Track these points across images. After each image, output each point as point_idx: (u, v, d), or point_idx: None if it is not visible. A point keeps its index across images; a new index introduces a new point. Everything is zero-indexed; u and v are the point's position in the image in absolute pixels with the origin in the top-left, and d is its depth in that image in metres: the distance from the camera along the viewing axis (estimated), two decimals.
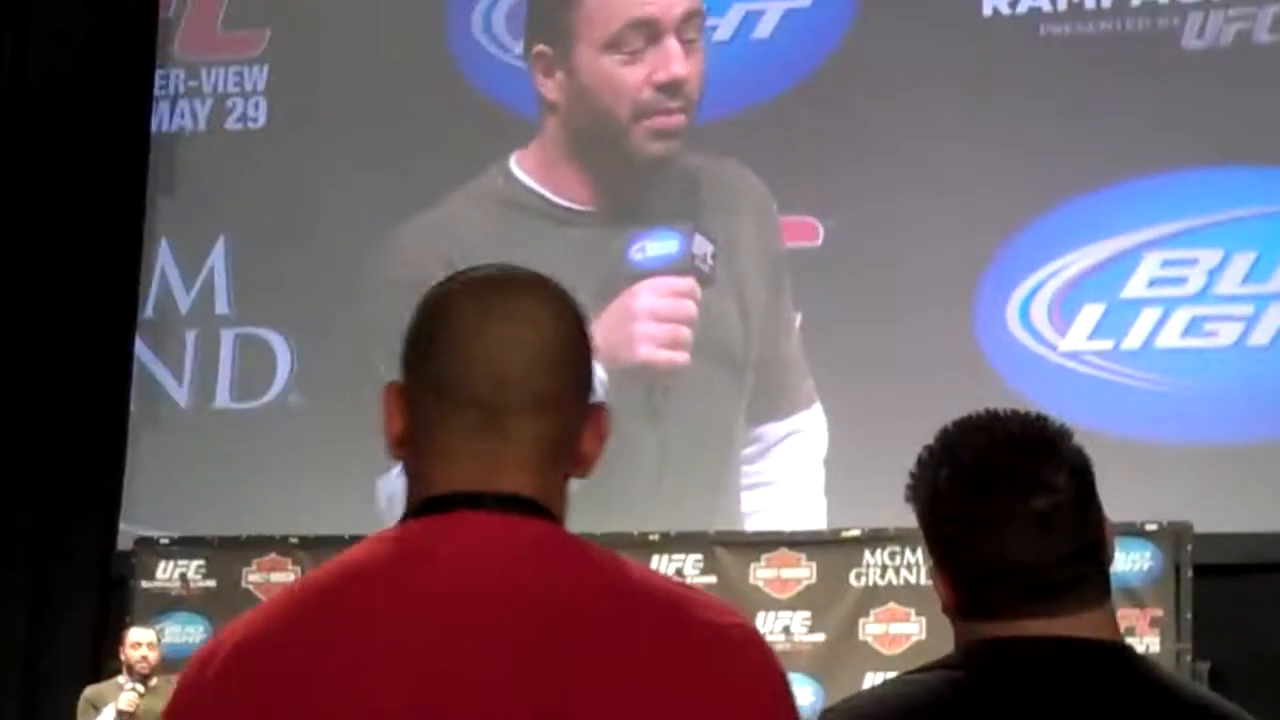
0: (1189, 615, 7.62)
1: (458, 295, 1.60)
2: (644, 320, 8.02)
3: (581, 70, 8.69)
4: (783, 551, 7.79)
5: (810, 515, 8.19)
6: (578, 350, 1.61)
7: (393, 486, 8.25)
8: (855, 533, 7.77)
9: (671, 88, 8.54)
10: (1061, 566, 1.91)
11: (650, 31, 8.59)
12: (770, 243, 8.70)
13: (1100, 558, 1.95)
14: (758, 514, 8.52)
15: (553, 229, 8.63)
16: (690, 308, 8.42)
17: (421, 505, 1.56)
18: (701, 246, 8.46)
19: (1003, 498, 1.88)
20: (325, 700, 1.48)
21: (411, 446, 1.58)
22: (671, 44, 8.52)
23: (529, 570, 1.52)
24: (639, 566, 1.61)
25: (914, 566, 7.65)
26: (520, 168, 8.76)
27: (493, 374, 1.55)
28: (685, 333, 8.41)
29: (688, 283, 8.40)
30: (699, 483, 8.48)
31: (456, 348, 1.56)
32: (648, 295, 8.21)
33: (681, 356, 8.30)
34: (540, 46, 8.69)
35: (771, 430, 8.55)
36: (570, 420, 1.59)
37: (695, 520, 8.18)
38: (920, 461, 1.95)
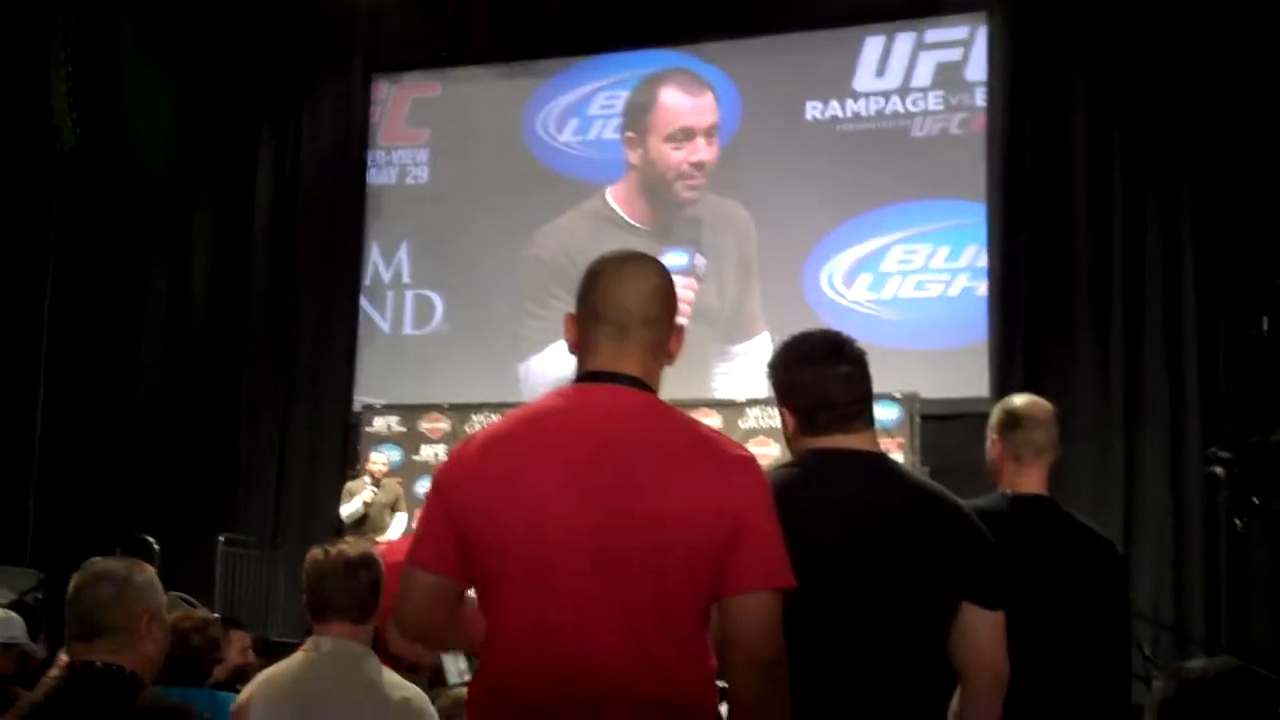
0: (917, 442, 10.83)
1: (605, 264, 2.62)
2: None
3: (650, 150, 12.77)
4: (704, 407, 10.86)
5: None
6: (667, 294, 2.62)
7: (529, 370, 12.56)
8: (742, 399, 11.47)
9: (697, 165, 12.59)
10: (854, 405, 2.99)
11: (689, 132, 12.69)
12: (745, 249, 12.38)
13: (870, 404, 3.01)
14: (723, 390, 11.98)
15: (624, 235, 12.13)
16: (690, 295, 11.96)
17: (581, 376, 2.58)
18: (699, 261, 12.23)
19: (824, 365, 2.99)
20: (521, 479, 2.47)
21: (578, 345, 2.60)
22: (700, 140, 12.63)
23: (634, 418, 2.53)
24: (692, 418, 2.59)
25: (774, 418, 11.03)
26: (612, 196, 12.83)
27: (622, 305, 2.57)
28: (686, 309, 11.40)
29: (690, 282, 12.04)
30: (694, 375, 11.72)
31: (604, 291, 2.59)
32: None
33: (682, 320, 12.39)
34: (630, 133, 12.83)
35: (738, 348, 12.33)
36: (663, 333, 2.61)
37: (696, 392, 11.36)
38: (777, 351, 3.06)
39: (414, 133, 13.82)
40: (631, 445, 2.49)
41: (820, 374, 2.97)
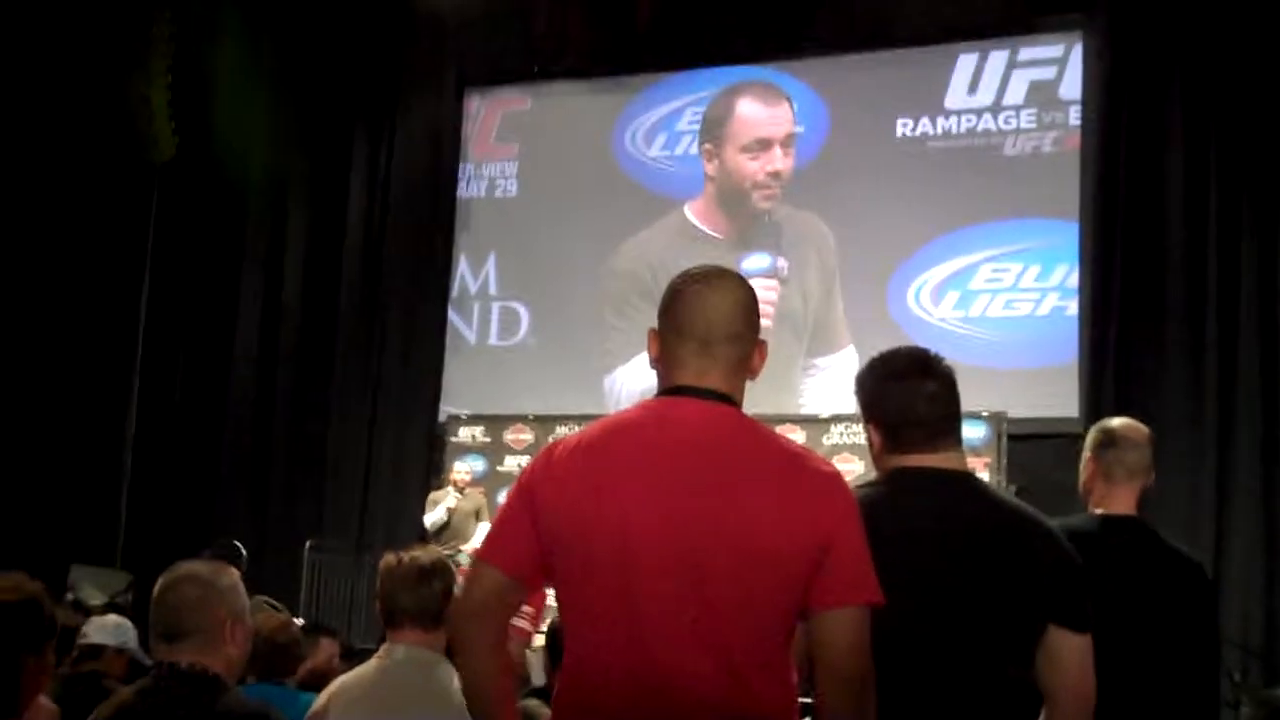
0: (1004, 462, 10.72)
1: (688, 279, 2.62)
2: None
3: (727, 161, 12.87)
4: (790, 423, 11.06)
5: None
6: (750, 309, 2.61)
7: (615, 382, 12.60)
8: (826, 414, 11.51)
9: (774, 175, 12.67)
10: (941, 422, 2.96)
11: (765, 143, 12.74)
12: (825, 260, 12.40)
13: (958, 423, 2.99)
14: (808, 404, 12.06)
15: (704, 248, 12.18)
16: (773, 297, 12.20)
17: (665, 391, 2.59)
18: (781, 264, 12.38)
19: (911, 382, 2.97)
20: (608, 488, 2.47)
21: (661, 360, 2.61)
22: (776, 150, 12.67)
23: (719, 432, 2.53)
24: (778, 434, 2.60)
25: (858, 434, 10.29)
26: (690, 211, 12.94)
27: (705, 321, 2.57)
28: (769, 310, 11.91)
29: (773, 284, 12.26)
30: (779, 388, 11.81)
31: (688, 307, 2.58)
32: None
33: (767, 322, 11.12)
34: (707, 145, 12.91)
35: (822, 360, 12.36)
36: (747, 348, 2.59)
37: (780, 408, 11.36)
38: (865, 368, 3.06)
39: (504, 147, 13.96)
40: (720, 460, 2.49)
41: (908, 391, 2.96)
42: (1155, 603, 3.60)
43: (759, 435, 2.56)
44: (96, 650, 5.33)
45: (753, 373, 2.63)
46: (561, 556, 2.52)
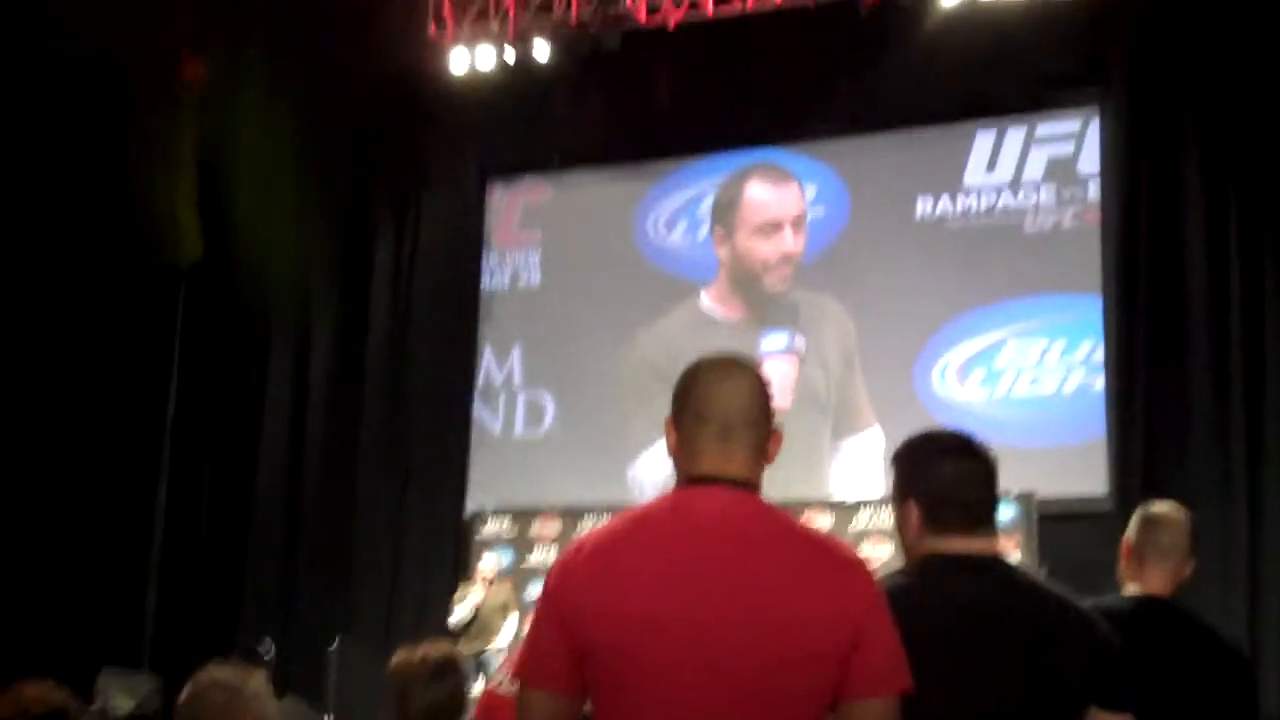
0: (1035, 543, 10.64)
1: (705, 366, 2.62)
2: None
3: (739, 245, 12.93)
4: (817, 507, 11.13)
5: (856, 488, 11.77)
6: (765, 397, 2.61)
7: (638, 471, 12.54)
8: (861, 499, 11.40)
9: (785, 257, 12.73)
10: (984, 505, 2.94)
11: (776, 225, 12.82)
12: (845, 340, 12.42)
13: (996, 508, 2.98)
14: (835, 488, 11.94)
15: (721, 332, 12.38)
16: (793, 374, 12.35)
17: (687, 480, 2.58)
18: (799, 341, 12.44)
19: (960, 460, 2.95)
20: (636, 584, 2.43)
21: (680, 449, 2.60)
22: (787, 231, 12.74)
23: (745, 522, 2.51)
24: (800, 521, 2.57)
25: (886, 519, 10.20)
26: (707, 296, 12.97)
27: (725, 407, 2.57)
28: (789, 390, 12.09)
29: (792, 359, 12.43)
30: (805, 471, 11.74)
31: (705, 393, 2.58)
32: (766, 369, 12.74)
33: (785, 403, 11.88)
34: (719, 229, 12.99)
35: (847, 442, 12.28)
36: (764, 434, 2.59)
37: (805, 493, 11.22)
38: (906, 443, 3.02)
39: (526, 235, 13.98)
40: (747, 550, 2.47)
41: (956, 469, 2.95)
42: (1193, 684, 3.57)
43: (783, 523, 2.55)
44: None
45: (769, 458, 2.62)
46: (592, 661, 2.48)
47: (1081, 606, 2.97)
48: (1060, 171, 12.10)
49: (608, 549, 2.52)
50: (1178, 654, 3.59)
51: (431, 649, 3.71)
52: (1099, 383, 11.51)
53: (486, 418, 13.73)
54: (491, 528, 12.76)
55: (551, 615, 2.52)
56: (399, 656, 3.70)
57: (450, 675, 3.64)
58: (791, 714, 2.42)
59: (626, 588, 2.45)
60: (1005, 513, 10.42)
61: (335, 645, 12.13)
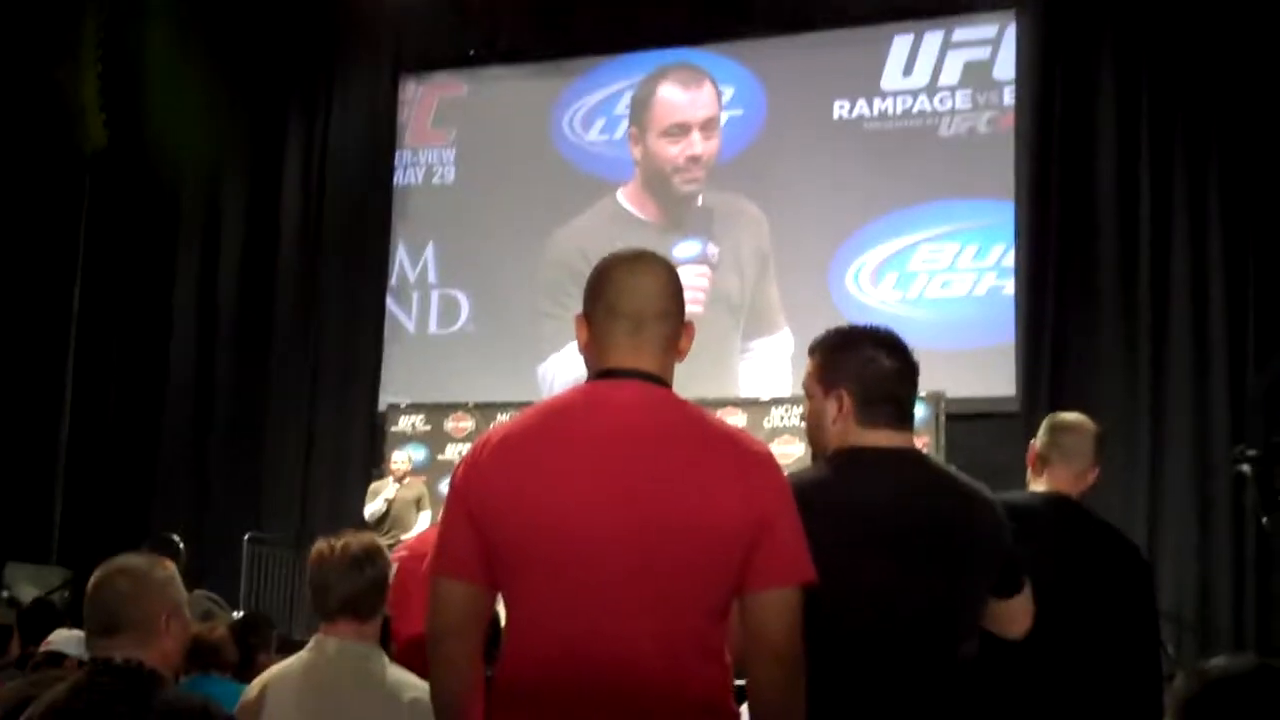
0: (943, 441, 10.83)
1: (616, 261, 2.63)
2: None
3: (650, 145, 12.97)
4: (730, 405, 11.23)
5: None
6: (676, 289, 2.64)
7: (548, 370, 12.59)
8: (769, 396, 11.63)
9: (693, 160, 12.78)
10: (910, 403, 3.01)
11: (684, 127, 12.85)
12: (760, 242, 12.46)
13: (914, 403, 3.04)
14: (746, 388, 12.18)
15: (636, 232, 12.22)
16: (705, 284, 12.38)
17: (597, 374, 2.60)
18: (712, 250, 12.52)
19: (894, 358, 2.97)
20: (545, 476, 2.47)
21: (591, 344, 2.62)
22: (695, 135, 12.77)
23: (654, 414, 2.54)
24: (711, 415, 2.64)
25: (798, 418, 10.16)
26: (623, 196, 12.97)
27: (635, 301, 2.59)
28: (701, 297, 12.22)
29: (704, 270, 12.44)
30: (716, 371, 11.95)
31: (617, 288, 2.59)
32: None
33: (698, 309, 11.90)
34: (633, 129, 13.00)
35: (757, 343, 12.46)
36: (676, 328, 2.62)
37: (719, 391, 11.46)
38: (836, 332, 3.04)
39: (441, 132, 13.89)
40: (655, 442, 2.50)
41: (891, 364, 2.98)
42: (1093, 578, 3.68)
43: (692, 416, 2.57)
44: (57, 658, 5.29)
45: (681, 353, 2.65)
46: (502, 551, 2.51)
47: (994, 501, 3.04)
48: (976, 76, 12.15)
49: (515, 442, 2.53)
50: (1081, 548, 3.69)
51: (352, 539, 3.63)
52: (1010, 286, 11.63)
53: (400, 315, 13.70)
54: (405, 423, 12.78)
55: (461, 508, 2.55)
56: (318, 547, 3.62)
57: (370, 564, 3.58)
58: (701, 603, 2.47)
59: (534, 480, 2.48)
60: (916, 412, 10.49)
61: (247, 540, 12.11)
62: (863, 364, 2.96)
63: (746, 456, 2.53)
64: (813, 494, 2.78)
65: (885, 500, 2.87)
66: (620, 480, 2.46)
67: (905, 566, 2.84)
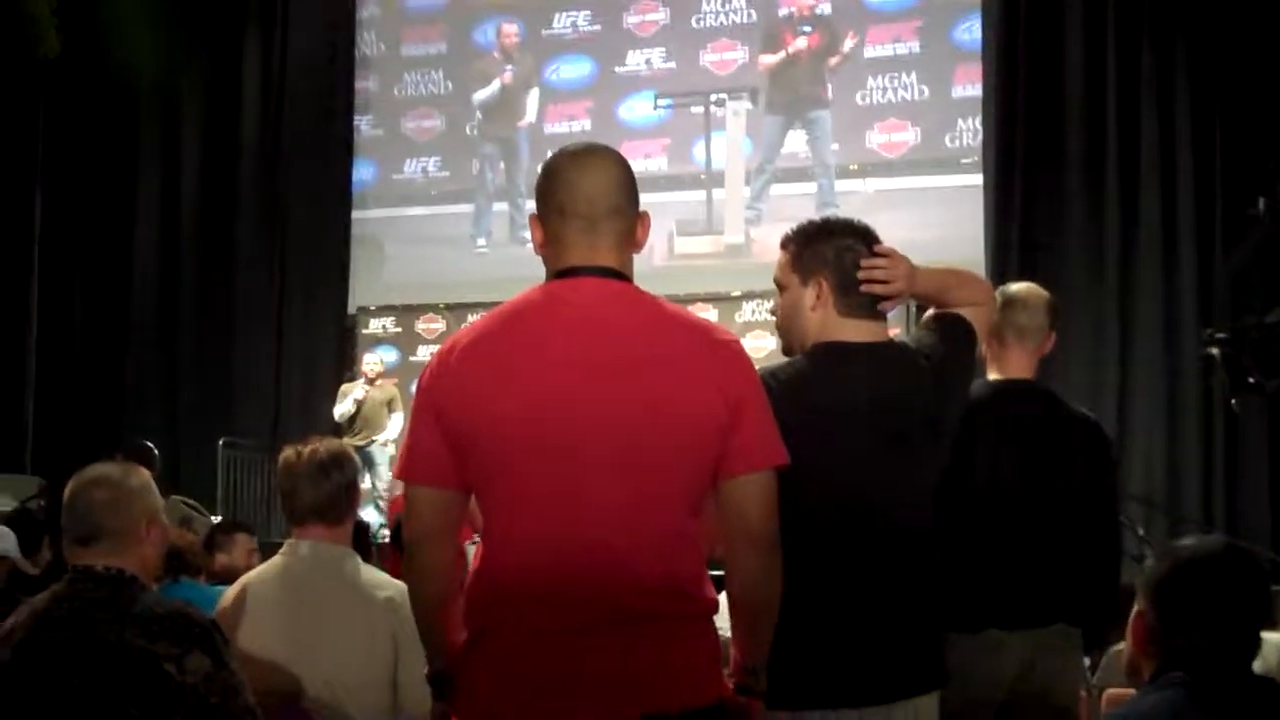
0: (912, 331, 11.64)
1: (564, 157, 2.61)
2: None
3: None
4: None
5: None
6: (628, 182, 2.62)
7: None
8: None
9: None
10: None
11: None
12: None
13: None
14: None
15: None
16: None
17: (556, 274, 2.60)
18: None
19: (865, 248, 2.97)
20: (515, 374, 2.48)
21: (547, 245, 2.62)
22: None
23: (618, 308, 2.56)
24: (675, 306, 2.64)
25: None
26: None
27: (588, 197, 2.57)
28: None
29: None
30: None
31: (568, 185, 2.58)
32: None
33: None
34: None
35: None
36: (630, 221, 2.61)
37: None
38: (812, 226, 3.06)
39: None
40: (623, 335, 2.52)
41: (862, 257, 2.99)
42: (1050, 465, 3.70)
43: (658, 308, 2.60)
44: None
45: (637, 245, 2.64)
46: (476, 452, 2.52)
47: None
48: None
49: (483, 343, 2.55)
50: (1038, 436, 3.71)
51: (320, 444, 3.64)
52: (978, 178, 11.65)
53: (368, 217, 13.59)
54: (375, 326, 12.89)
55: (430, 413, 2.55)
56: (287, 453, 3.64)
57: (338, 470, 3.60)
58: (679, 493, 2.50)
59: (504, 379, 2.49)
60: None
61: (221, 445, 12.15)
62: (840, 252, 2.99)
63: (715, 344, 2.56)
64: (792, 385, 2.83)
65: (861, 393, 2.91)
66: (591, 374, 2.48)
67: (877, 452, 2.90)
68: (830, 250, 3.00)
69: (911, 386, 2.97)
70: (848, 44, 12.26)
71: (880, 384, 2.93)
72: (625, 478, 2.47)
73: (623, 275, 2.61)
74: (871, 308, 2.99)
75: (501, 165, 13.13)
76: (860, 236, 3.01)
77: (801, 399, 2.80)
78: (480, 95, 13.17)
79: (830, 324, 2.99)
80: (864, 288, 2.97)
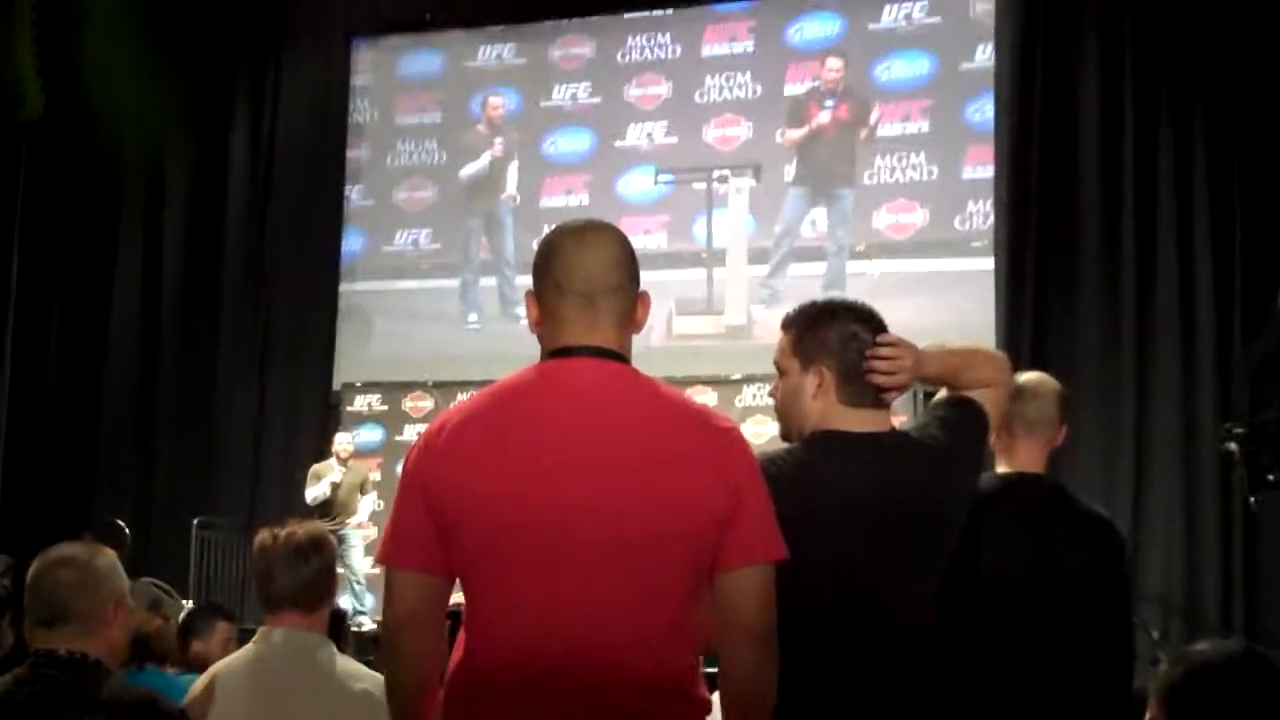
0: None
1: (563, 233, 2.63)
2: None
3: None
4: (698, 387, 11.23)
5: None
6: (628, 260, 2.63)
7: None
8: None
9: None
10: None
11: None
12: None
13: None
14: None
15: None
16: None
17: (551, 353, 2.59)
18: None
19: (869, 333, 2.97)
20: (505, 457, 2.47)
21: (543, 322, 2.62)
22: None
23: (614, 390, 2.55)
24: (674, 390, 2.65)
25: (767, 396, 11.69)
26: None
27: (586, 275, 2.57)
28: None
29: None
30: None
31: (566, 262, 2.58)
32: None
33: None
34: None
35: None
36: (630, 301, 2.62)
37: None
38: (816, 307, 3.05)
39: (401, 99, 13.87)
40: (618, 420, 2.52)
41: (868, 344, 2.98)
42: (1061, 563, 3.68)
43: (657, 393, 2.59)
44: None
45: (637, 325, 2.65)
46: (461, 537, 2.51)
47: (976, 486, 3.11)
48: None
49: (471, 423, 2.54)
50: (1049, 533, 3.68)
51: (298, 527, 3.64)
52: (989, 262, 11.67)
53: (356, 290, 13.65)
54: (360, 403, 12.87)
55: (415, 492, 2.54)
56: (263, 535, 3.65)
57: (316, 554, 3.59)
58: (672, 587, 2.49)
59: (490, 462, 2.48)
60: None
61: (196, 525, 12.10)
62: (845, 340, 2.98)
63: (714, 431, 2.55)
64: (790, 476, 2.82)
65: (861, 486, 2.89)
66: (585, 461, 2.47)
67: (878, 549, 2.88)
68: (834, 336, 2.99)
69: (914, 479, 2.96)
70: (873, 115, 12.33)
71: (882, 477, 2.92)
72: (617, 568, 2.45)
73: (620, 356, 2.61)
74: (875, 396, 2.99)
75: (484, 239, 13.18)
76: (865, 321, 3.00)
77: (799, 491, 2.78)
78: (468, 170, 13.25)
79: (831, 413, 2.99)
80: (868, 378, 2.96)
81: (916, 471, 2.96)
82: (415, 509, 2.54)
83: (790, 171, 12.47)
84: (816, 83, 12.56)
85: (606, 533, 2.45)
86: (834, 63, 12.50)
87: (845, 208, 12.30)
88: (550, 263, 2.62)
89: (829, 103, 12.47)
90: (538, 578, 2.46)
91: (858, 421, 2.97)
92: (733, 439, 2.57)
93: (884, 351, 2.96)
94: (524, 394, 2.57)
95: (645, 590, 2.47)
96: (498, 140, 13.30)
